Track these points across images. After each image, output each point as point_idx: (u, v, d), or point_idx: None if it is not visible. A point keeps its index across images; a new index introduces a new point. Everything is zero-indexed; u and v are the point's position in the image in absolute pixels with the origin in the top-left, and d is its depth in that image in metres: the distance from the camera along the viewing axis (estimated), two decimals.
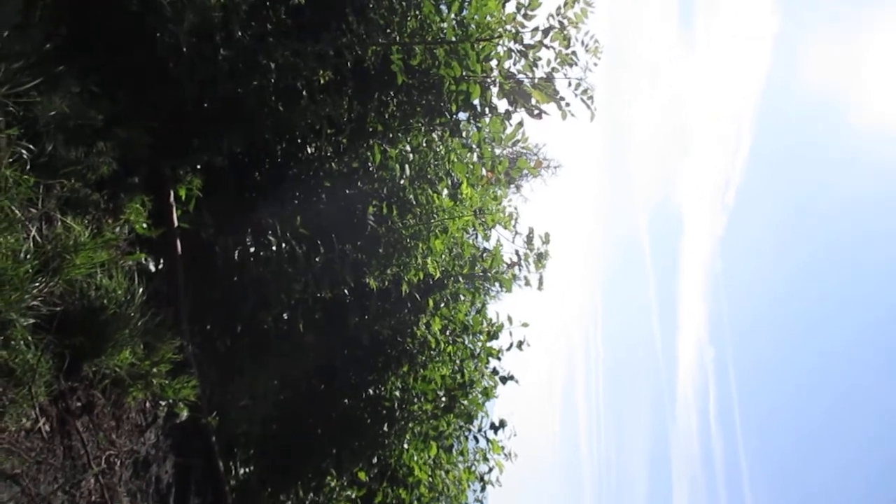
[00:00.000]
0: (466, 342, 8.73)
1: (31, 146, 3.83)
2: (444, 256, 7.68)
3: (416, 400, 8.08)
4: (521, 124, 7.46)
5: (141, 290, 4.83)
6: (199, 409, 5.95)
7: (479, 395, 8.61)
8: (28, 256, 3.69)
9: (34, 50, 3.85)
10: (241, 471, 7.25)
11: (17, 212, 3.66)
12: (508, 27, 6.53)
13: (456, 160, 7.62)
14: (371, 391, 8.07)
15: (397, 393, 8.03)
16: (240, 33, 5.51)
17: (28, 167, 3.80)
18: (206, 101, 5.66)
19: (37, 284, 3.75)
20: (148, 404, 5.34)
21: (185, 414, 5.70)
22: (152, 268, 5.50)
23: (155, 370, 5.01)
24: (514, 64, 6.78)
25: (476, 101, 6.91)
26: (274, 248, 6.53)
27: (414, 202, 7.24)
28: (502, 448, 8.92)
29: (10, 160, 3.71)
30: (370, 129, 7.06)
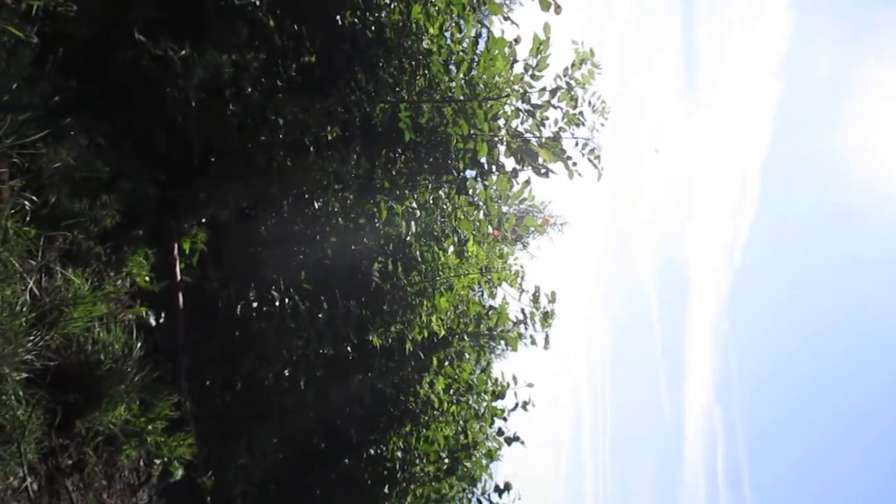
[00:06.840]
0: (471, 402, 8.55)
1: (34, 197, 3.80)
2: (448, 314, 7.59)
3: (417, 461, 7.88)
4: (528, 182, 7.47)
5: (139, 344, 4.75)
6: (195, 468, 5.78)
7: (483, 457, 8.39)
8: (24, 309, 3.63)
9: (42, 102, 3.86)
10: None
11: (15, 264, 3.61)
12: (516, 87, 6.59)
13: (462, 217, 7.60)
14: (372, 451, 7.88)
15: (399, 453, 7.84)
16: (249, 89, 5.55)
17: (29, 219, 3.77)
18: (213, 155, 5.68)
19: (32, 338, 3.67)
20: (142, 462, 5.19)
21: (179, 473, 5.53)
22: (152, 321, 5.43)
23: (150, 427, 4.89)
24: (522, 123, 6.83)
25: (483, 160, 6.92)
26: (277, 303, 6.46)
27: (419, 259, 7.20)
28: None
29: (13, 211, 3.68)
30: (377, 186, 7.05)
